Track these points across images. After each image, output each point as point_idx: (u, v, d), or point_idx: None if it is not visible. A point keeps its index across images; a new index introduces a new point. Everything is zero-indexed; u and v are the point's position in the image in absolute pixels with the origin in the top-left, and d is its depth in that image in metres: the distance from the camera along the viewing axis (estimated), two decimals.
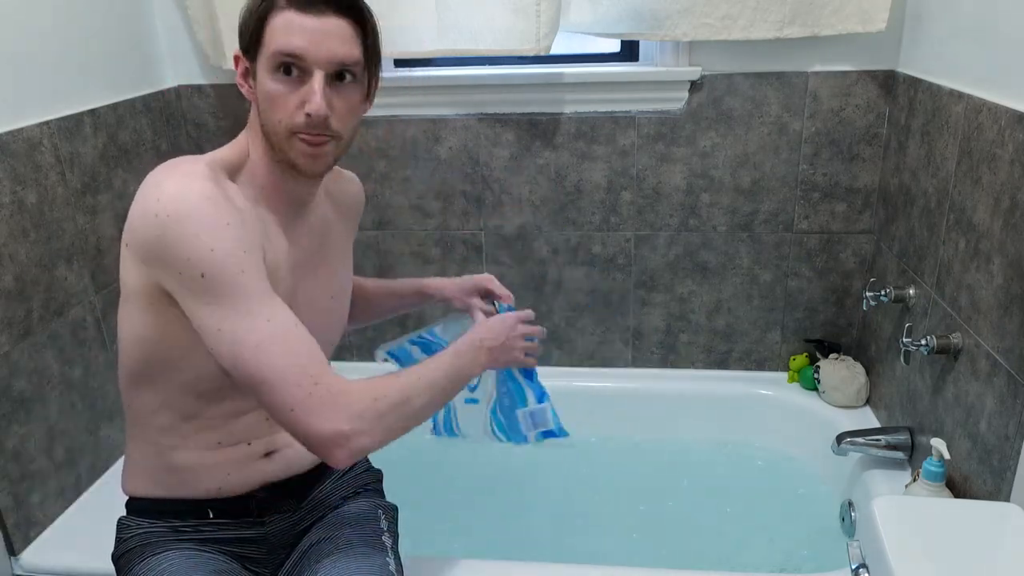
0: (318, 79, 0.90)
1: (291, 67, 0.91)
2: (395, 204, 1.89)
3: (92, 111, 1.54)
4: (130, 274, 0.94)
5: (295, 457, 1.10)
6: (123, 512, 1.10)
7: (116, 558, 1.08)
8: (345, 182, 1.20)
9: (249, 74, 0.95)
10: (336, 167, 1.11)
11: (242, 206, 0.94)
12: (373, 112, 1.82)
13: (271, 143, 0.95)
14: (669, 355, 1.96)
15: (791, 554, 1.58)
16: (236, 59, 0.96)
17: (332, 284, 1.12)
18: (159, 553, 1.04)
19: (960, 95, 1.31)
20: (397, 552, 1.13)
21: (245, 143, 1.00)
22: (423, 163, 1.85)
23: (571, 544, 1.64)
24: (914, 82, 1.53)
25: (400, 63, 1.88)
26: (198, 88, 1.85)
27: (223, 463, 1.05)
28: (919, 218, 1.49)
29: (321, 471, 1.16)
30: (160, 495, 1.07)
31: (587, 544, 1.64)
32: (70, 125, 1.48)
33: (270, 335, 0.87)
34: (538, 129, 1.79)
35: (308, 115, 0.90)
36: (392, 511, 1.22)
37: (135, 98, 1.69)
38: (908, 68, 1.58)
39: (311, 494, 1.15)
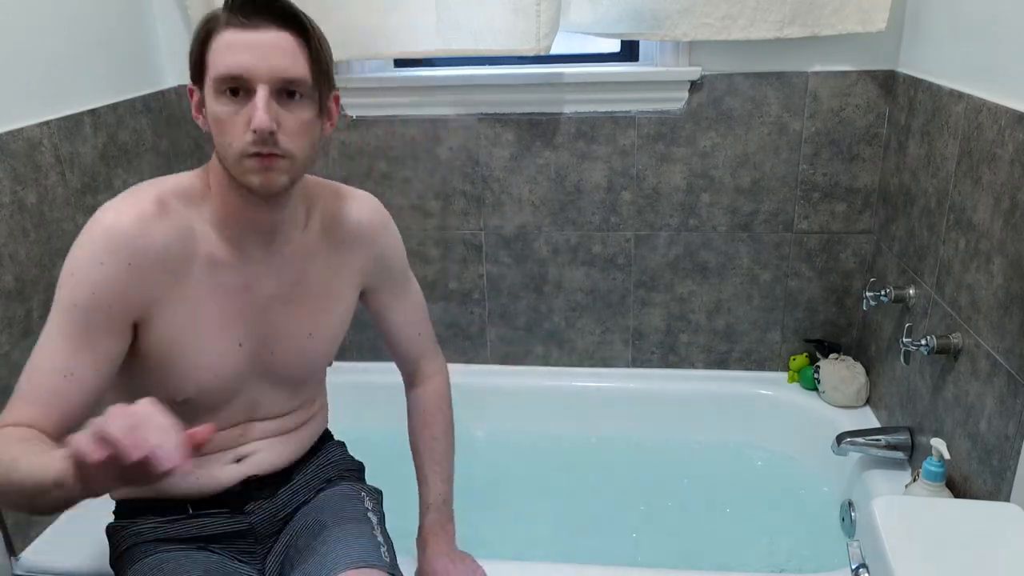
0: (261, 95, 0.87)
1: (236, 89, 0.88)
2: (395, 204, 1.89)
3: (92, 111, 1.54)
4: None
5: (265, 459, 1.11)
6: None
7: (112, 564, 1.11)
8: (346, 207, 1.10)
9: (203, 104, 0.93)
10: (342, 187, 1.11)
11: (163, 251, 0.94)
12: (373, 112, 1.83)
13: (227, 169, 0.92)
14: (669, 355, 1.96)
15: (791, 554, 1.58)
16: (190, 92, 0.94)
17: (309, 321, 1.08)
18: (150, 555, 1.06)
19: (960, 95, 1.31)
20: (385, 531, 1.14)
21: (206, 175, 0.99)
22: (423, 163, 1.85)
23: (571, 544, 1.64)
24: (914, 82, 1.53)
25: (400, 63, 1.88)
26: None
27: (195, 470, 1.05)
28: (919, 218, 1.49)
29: (294, 466, 1.17)
30: (139, 495, 1.08)
31: (587, 544, 1.64)
32: (70, 125, 1.48)
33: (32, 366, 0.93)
34: (538, 129, 1.79)
35: (254, 131, 0.87)
36: (376, 494, 1.23)
37: (135, 98, 1.69)
38: (908, 68, 1.58)
39: (288, 483, 1.16)
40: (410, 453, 1.28)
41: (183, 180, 0.99)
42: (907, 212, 1.56)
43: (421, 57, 1.68)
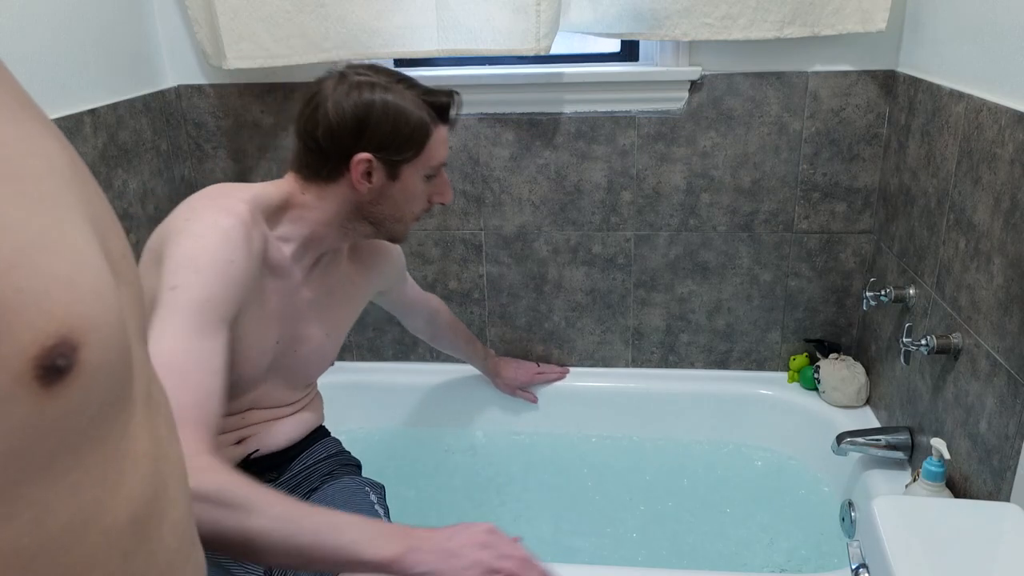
0: (446, 176, 1.15)
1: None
2: None
3: (92, 111, 1.54)
4: (148, 281, 0.97)
5: (266, 438, 1.15)
6: None
7: None
8: (379, 248, 1.32)
9: (371, 172, 1.05)
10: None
11: (260, 252, 1.01)
12: None
13: (380, 224, 1.12)
14: (669, 355, 1.96)
15: (791, 554, 1.58)
16: (364, 161, 1.04)
17: (331, 323, 1.22)
18: None
19: (960, 95, 1.31)
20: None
21: (294, 194, 1.07)
22: None
23: (571, 544, 1.64)
24: (914, 82, 1.53)
25: (400, 63, 1.88)
26: (198, 88, 1.85)
27: None
28: (919, 218, 1.49)
29: (294, 450, 1.21)
30: None
31: (587, 544, 1.64)
32: (70, 125, 1.48)
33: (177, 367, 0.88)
34: (538, 129, 1.79)
35: (441, 203, 1.16)
36: (380, 488, 1.26)
37: (135, 98, 1.69)
38: (908, 68, 1.58)
39: (289, 468, 1.20)
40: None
41: (268, 194, 1.06)
42: (907, 212, 1.56)
43: (421, 57, 1.68)
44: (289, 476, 1.20)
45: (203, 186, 1.89)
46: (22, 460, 0.27)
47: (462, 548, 0.85)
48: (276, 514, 0.81)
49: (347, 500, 1.18)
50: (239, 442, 1.13)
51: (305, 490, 1.21)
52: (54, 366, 0.26)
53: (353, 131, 1.02)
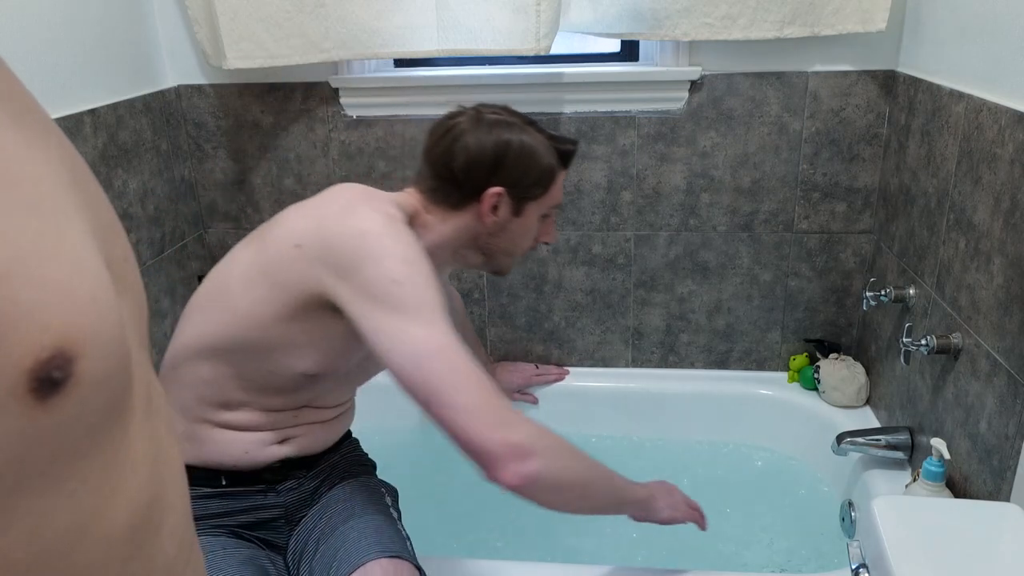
0: (554, 218, 1.25)
1: None
2: None
3: (92, 111, 1.54)
4: (291, 272, 0.98)
5: (305, 442, 1.16)
6: None
7: None
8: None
9: (497, 206, 1.13)
10: None
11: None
12: (373, 112, 1.83)
13: (490, 255, 1.19)
14: (669, 355, 1.96)
15: (791, 554, 1.58)
16: (496, 195, 1.11)
17: None
18: None
19: (960, 95, 1.31)
20: (404, 527, 1.19)
21: (419, 212, 1.13)
22: None
23: (571, 544, 1.64)
24: (914, 82, 1.53)
25: (400, 63, 1.88)
26: (198, 88, 1.85)
27: (243, 444, 1.10)
28: (919, 218, 1.49)
29: (323, 452, 1.22)
30: None
31: (587, 544, 1.64)
32: (70, 125, 1.48)
33: (447, 345, 0.91)
34: None
35: (547, 243, 1.26)
36: (394, 492, 1.28)
37: (135, 98, 1.69)
38: (908, 68, 1.58)
39: (316, 466, 1.21)
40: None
41: (403, 204, 1.09)
42: (907, 212, 1.56)
43: (421, 57, 1.68)
44: (314, 472, 1.20)
45: (202, 186, 1.91)
46: (17, 471, 0.26)
47: (670, 492, 1.18)
48: (592, 460, 1.01)
49: (366, 499, 1.18)
50: (282, 441, 1.13)
51: (326, 487, 1.21)
52: (50, 378, 0.26)
53: (490, 166, 1.10)
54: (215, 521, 1.11)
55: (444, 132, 1.13)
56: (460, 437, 0.88)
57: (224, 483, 1.11)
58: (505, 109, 1.17)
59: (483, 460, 0.88)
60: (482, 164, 1.10)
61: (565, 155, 1.18)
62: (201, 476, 1.10)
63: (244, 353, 1.04)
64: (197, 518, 1.08)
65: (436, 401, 0.88)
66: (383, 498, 1.22)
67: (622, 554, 1.61)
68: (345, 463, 1.26)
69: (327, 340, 1.03)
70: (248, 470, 1.12)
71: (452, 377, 0.88)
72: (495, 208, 1.13)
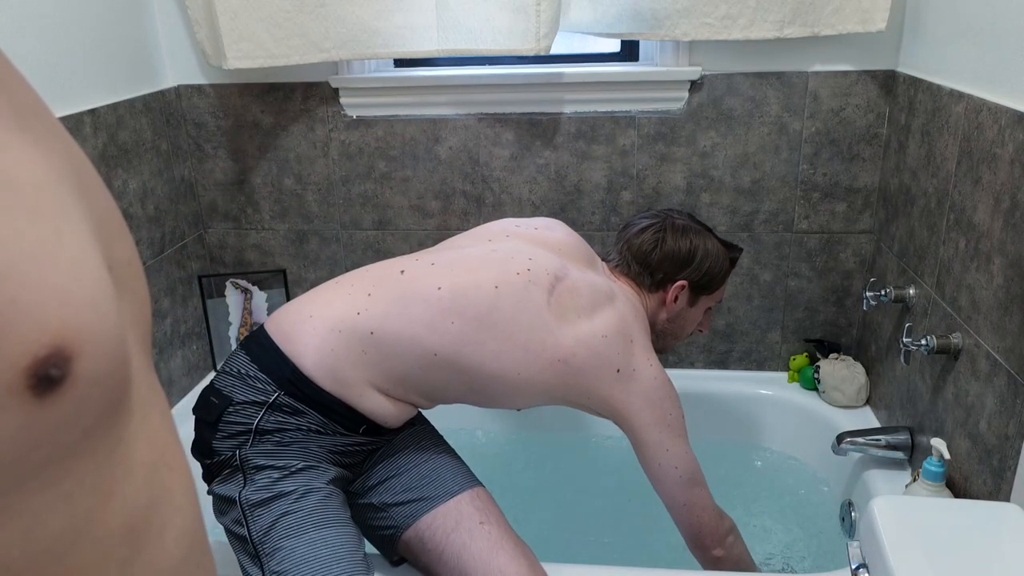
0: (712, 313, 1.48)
1: None
2: (395, 204, 1.89)
3: (92, 111, 1.55)
4: (560, 347, 1.17)
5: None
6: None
7: (249, 528, 1.11)
8: None
9: (678, 296, 1.36)
10: None
11: None
12: (373, 112, 1.83)
13: (660, 336, 1.40)
14: (669, 355, 1.96)
15: (791, 554, 1.58)
16: (682, 286, 1.35)
17: None
18: (298, 530, 1.09)
19: (960, 95, 1.31)
20: None
21: (642, 307, 1.34)
22: (423, 163, 1.85)
23: (571, 544, 1.64)
24: (914, 82, 1.53)
25: (400, 63, 1.88)
26: (198, 88, 1.85)
27: (398, 413, 1.21)
28: (919, 218, 1.49)
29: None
30: (329, 388, 1.13)
31: (587, 544, 1.64)
32: (70, 125, 1.48)
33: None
34: (538, 129, 1.79)
35: (700, 332, 1.47)
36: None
37: (135, 98, 1.69)
38: (908, 68, 1.58)
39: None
40: None
41: (641, 315, 1.32)
42: (907, 212, 1.56)
43: (421, 57, 1.69)
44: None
45: (202, 186, 1.91)
46: (13, 470, 0.27)
47: None
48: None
49: (437, 439, 1.35)
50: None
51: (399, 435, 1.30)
52: (47, 376, 0.26)
53: (683, 262, 1.34)
54: (335, 459, 1.18)
55: (651, 230, 1.36)
56: (684, 520, 1.31)
57: (360, 431, 1.19)
58: (691, 216, 1.40)
59: (696, 535, 1.30)
60: (677, 260, 1.34)
61: (733, 260, 1.41)
62: (345, 415, 1.16)
63: (485, 385, 1.19)
64: (330, 451, 1.17)
65: (678, 498, 1.29)
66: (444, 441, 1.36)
67: (622, 554, 1.61)
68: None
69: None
70: (384, 423, 1.21)
71: (702, 494, 1.32)
72: (676, 298, 1.36)
